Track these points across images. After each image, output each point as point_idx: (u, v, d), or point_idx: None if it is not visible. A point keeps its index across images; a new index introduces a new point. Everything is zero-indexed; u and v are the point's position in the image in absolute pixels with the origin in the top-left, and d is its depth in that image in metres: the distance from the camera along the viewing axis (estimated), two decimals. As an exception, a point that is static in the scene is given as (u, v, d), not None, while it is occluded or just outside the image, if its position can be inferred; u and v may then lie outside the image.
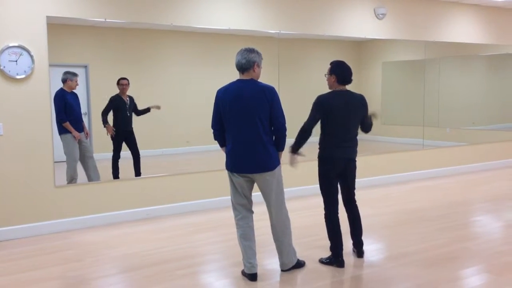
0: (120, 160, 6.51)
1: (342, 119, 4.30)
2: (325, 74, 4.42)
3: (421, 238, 5.21)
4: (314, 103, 4.32)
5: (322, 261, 4.50)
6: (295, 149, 4.34)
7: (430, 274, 4.21)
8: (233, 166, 4.07)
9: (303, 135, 4.29)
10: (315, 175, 4.28)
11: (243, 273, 4.19)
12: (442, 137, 9.59)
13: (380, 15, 7.98)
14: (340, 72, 4.33)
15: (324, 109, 4.27)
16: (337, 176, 4.44)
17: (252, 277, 4.10)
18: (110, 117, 6.46)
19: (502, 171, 9.41)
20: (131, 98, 6.55)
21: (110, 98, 6.43)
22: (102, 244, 5.22)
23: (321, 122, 4.32)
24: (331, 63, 4.40)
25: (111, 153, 6.57)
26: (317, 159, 4.44)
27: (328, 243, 4.62)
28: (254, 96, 3.94)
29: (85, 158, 6.18)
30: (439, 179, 8.59)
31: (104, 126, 6.42)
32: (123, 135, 6.55)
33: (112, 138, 6.50)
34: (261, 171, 4.01)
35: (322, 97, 4.32)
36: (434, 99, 9.40)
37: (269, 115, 3.99)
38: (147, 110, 6.66)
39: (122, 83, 6.46)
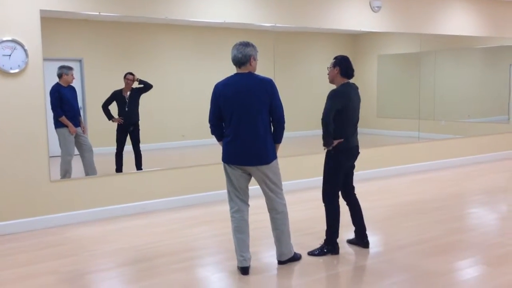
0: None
1: (355, 110, 4.46)
2: (327, 67, 4.48)
3: (417, 230, 5.22)
4: (333, 95, 4.34)
5: (314, 254, 4.50)
6: (330, 143, 4.34)
7: (427, 266, 4.21)
8: (229, 157, 4.07)
9: (328, 127, 4.30)
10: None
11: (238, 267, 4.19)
12: (438, 129, 9.61)
13: (376, 8, 7.96)
14: (343, 65, 4.42)
15: (344, 100, 4.34)
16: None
17: (244, 270, 4.10)
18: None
19: (497, 163, 9.43)
20: (134, 91, 6.54)
21: (112, 92, 6.47)
22: (98, 239, 5.21)
23: (339, 114, 4.32)
24: (334, 58, 4.48)
25: (107, 147, 6.57)
26: (328, 151, 4.43)
27: (322, 235, 4.63)
28: (255, 89, 3.96)
29: (84, 152, 6.17)
30: (434, 172, 8.60)
31: (110, 120, 6.45)
32: (124, 128, 6.57)
33: (117, 129, 6.55)
34: (256, 164, 4.01)
35: (339, 90, 4.39)
36: (429, 91, 9.40)
37: (269, 108, 4.01)
38: (146, 84, 6.62)
39: (127, 78, 6.48)
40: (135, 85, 6.56)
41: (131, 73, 6.50)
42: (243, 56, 3.98)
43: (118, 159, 6.54)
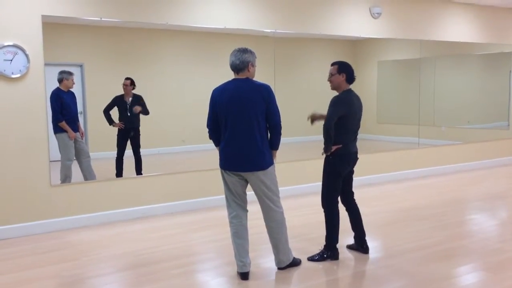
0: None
1: (356, 116, 4.45)
2: (331, 74, 4.45)
3: (416, 236, 5.22)
4: (336, 102, 4.35)
5: (313, 259, 4.50)
6: (329, 149, 4.35)
7: (426, 272, 4.22)
8: (225, 164, 4.08)
9: (330, 133, 4.32)
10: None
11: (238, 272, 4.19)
12: (438, 135, 9.62)
13: (376, 14, 7.99)
14: (349, 71, 4.44)
15: (347, 106, 4.35)
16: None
17: (244, 276, 4.10)
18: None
19: (497, 169, 9.43)
20: (136, 98, 6.58)
21: (114, 97, 6.50)
22: (97, 243, 5.21)
23: (341, 120, 4.34)
24: (336, 63, 4.46)
25: (107, 152, 6.59)
26: (327, 156, 4.46)
27: (321, 241, 4.63)
28: (251, 95, 3.96)
29: (81, 157, 6.18)
30: (434, 178, 8.61)
31: (111, 125, 6.47)
32: (125, 133, 6.59)
33: (118, 134, 6.58)
34: (252, 170, 4.01)
35: (344, 97, 4.39)
36: (429, 97, 9.42)
37: (265, 114, 4.01)
38: (145, 111, 6.67)
39: (124, 83, 6.52)
40: (136, 90, 6.60)
41: (127, 78, 6.53)
42: (241, 62, 3.99)
43: (118, 164, 6.56)
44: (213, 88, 4.13)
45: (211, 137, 4.19)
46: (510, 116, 10.23)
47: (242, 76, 4.03)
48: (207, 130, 4.18)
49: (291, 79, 8.25)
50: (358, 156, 4.60)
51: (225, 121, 4.01)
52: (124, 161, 6.58)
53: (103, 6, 5.82)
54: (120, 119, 6.56)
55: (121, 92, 6.54)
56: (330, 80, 4.47)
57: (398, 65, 9.44)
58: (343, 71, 4.41)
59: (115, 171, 6.50)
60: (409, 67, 9.33)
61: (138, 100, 6.60)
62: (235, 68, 4.02)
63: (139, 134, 6.69)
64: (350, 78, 4.43)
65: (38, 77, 5.52)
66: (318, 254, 4.53)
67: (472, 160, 9.52)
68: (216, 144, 4.21)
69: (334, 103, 4.35)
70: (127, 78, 6.53)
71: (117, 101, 6.53)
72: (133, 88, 6.57)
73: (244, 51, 4.01)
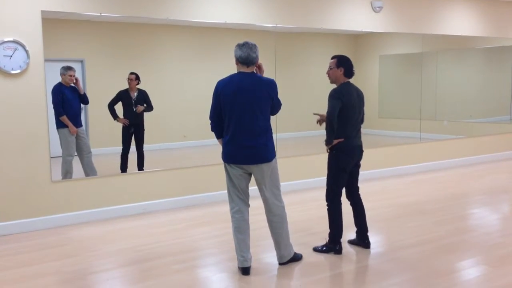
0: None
1: (355, 109, 4.43)
2: (330, 67, 4.46)
3: (418, 230, 5.21)
4: (333, 94, 4.36)
5: (317, 249, 4.51)
6: (330, 141, 4.36)
7: (428, 266, 4.21)
8: (230, 157, 4.08)
9: (333, 123, 4.31)
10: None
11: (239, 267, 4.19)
12: (439, 130, 9.59)
13: (377, 8, 7.95)
14: (348, 65, 4.44)
15: (344, 98, 4.34)
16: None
17: (245, 270, 4.10)
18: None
19: (499, 163, 9.41)
20: (141, 93, 6.56)
21: (118, 92, 6.47)
22: (99, 239, 5.21)
23: (340, 112, 4.33)
24: (336, 57, 4.47)
25: (108, 148, 6.58)
26: (331, 151, 4.46)
27: (324, 236, 4.62)
28: (257, 89, 3.98)
29: (82, 153, 6.17)
30: (436, 172, 8.59)
31: (115, 120, 6.45)
32: (130, 128, 6.57)
33: (123, 130, 6.56)
34: (257, 162, 4.01)
35: (341, 89, 4.40)
36: (431, 92, 9.39)
37: (269, 107, 4.05)
38: (149, 108, 6.67)
39: (129, 77, 6.49)
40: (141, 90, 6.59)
41: (132, 73, 6.50)
42: (256, 57, 4.02)
43: (123, 159, 6.53)
44: (217, 81, 4.12)
45: (213, 129, 4.18)
46: (512, 110, 10.21)
47: (250, 70, 4.04)
48: (210, 121, 4.17)
49: (292, 74, 8.23)
50: (361, 150, 4.59)
51: (229, 113, 4.01)
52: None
53: (103, 1, 5.79)
54: (124, 115, 6.53)
55: (122, 87, 6.51)
56: (328, 73, 4.49)
57: (400, 59, 9.41)
58: (342, 65, 4.42)
59: (116, 167, 6.47)
60: (411, 61, 9.31)
61: (143, 95, 6.58)
62: (250, 61, 4.01)
63: (144, 130, 6.67)
64: (349, 72, 4.45)
65: (38, 73, 5.50)
66: (322, 246, 4.55)
67: (474, 154, 9.50)
68: (218, 136, 4.20)
69: (333, 94, 4.38)
70: (132, 73, 6.50)
71: (122, 96, 6.50)
72: (138, 83, 6.54)
73: (256, 46, 4.04)
